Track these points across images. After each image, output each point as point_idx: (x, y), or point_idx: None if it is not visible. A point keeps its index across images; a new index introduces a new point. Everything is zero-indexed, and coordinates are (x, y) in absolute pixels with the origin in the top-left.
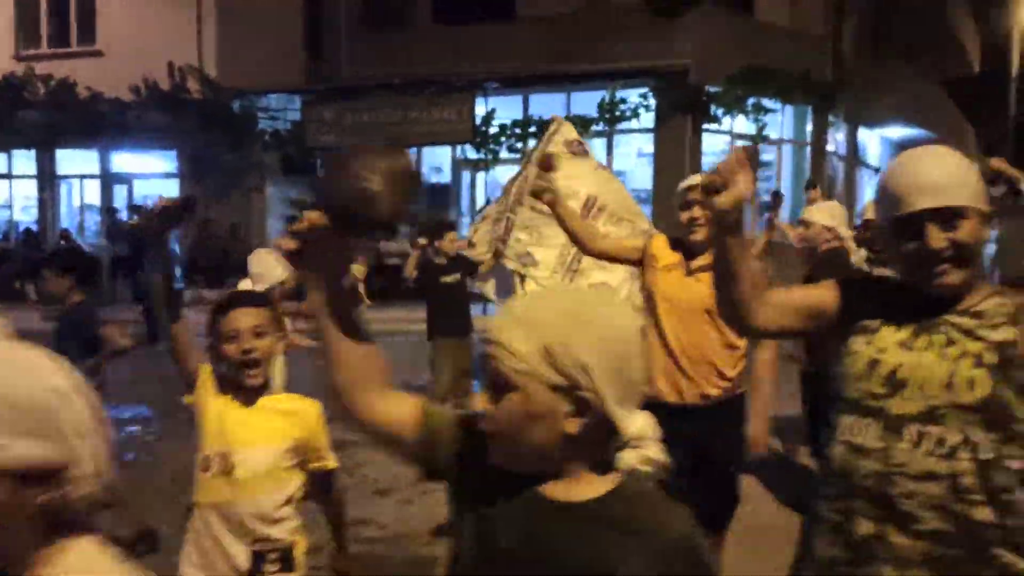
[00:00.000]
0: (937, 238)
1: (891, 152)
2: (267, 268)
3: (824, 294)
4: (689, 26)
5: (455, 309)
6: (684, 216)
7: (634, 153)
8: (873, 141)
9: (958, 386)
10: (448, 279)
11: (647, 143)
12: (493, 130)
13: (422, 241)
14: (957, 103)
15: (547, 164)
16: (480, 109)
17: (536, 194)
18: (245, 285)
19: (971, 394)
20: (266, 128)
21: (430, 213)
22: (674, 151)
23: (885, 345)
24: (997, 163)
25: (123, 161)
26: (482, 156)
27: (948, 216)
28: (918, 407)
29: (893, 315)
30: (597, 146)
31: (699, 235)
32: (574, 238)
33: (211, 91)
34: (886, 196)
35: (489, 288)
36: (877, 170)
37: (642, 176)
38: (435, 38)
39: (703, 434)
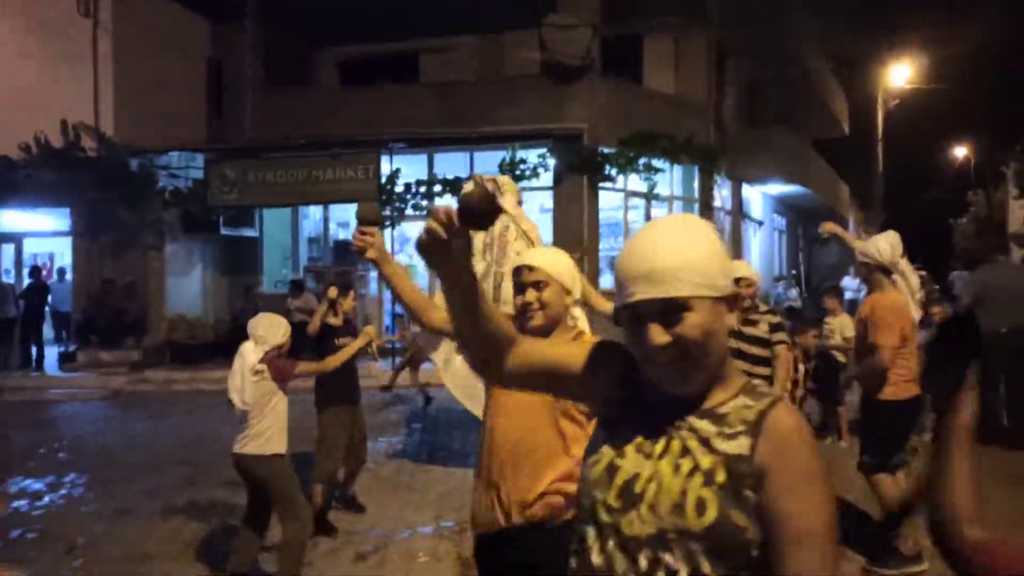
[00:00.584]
0: (656, 333)
1: (773, 206)
2: (270, 331)
3: (571, 355)
4: (583, 92)
5: (348, 374)
6: (517, 300)
7: (537, 208)
8: (756, 197)
9: (687, 508)
10: (341, 342)
11: (548, 199)
12: (399, 188)
13: (331, 294)
14: (831, 162)
15: (372, 217)
16: (385, 168)
17: (360, 251)
18: (248, 348)
19: (698, 519)
20: (166, 186)
21: (336, 268)
22: (572, 207)
23: (624, 446)
24: (829, 227)
25: (12, 219)
26: (388, 213)
27: (671, 308)
28: (649, 530)
29: (636, 406)
30: None
31: (535, 321)
32: (405, 306)
33: (106, 149)
34: (615, 280)
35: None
36: (761, 223)
37: (545, 230)
38: (340, 99)
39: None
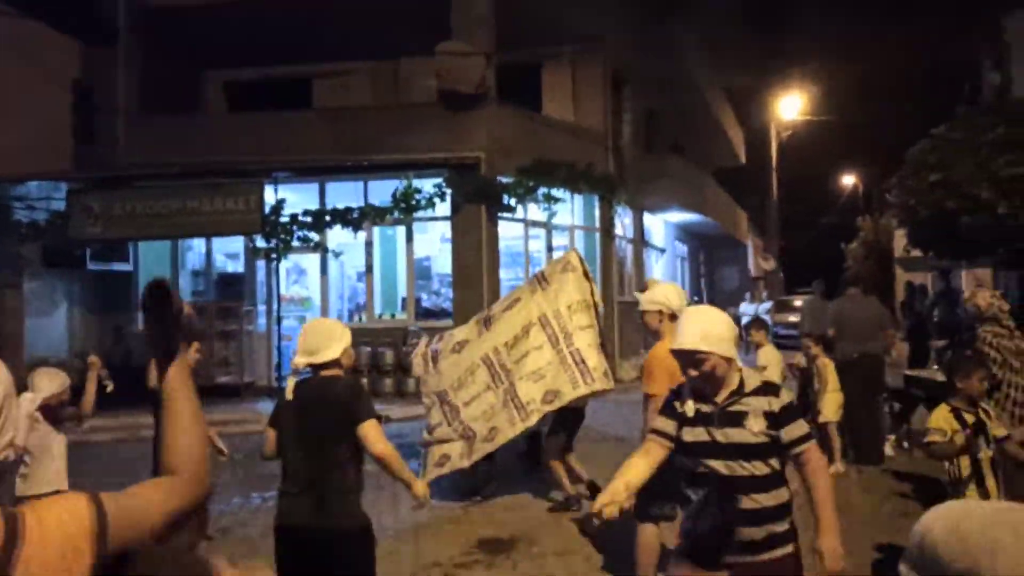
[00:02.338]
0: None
1: (675, 234)
2: (47, 383)
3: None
4: (480, 121)
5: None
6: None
7: (438, 239)
8: (657, 224)
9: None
10: None
11: (448, 229)
12: (284, 219)
13: (93, 363)
14: (729, 190)
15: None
16: (271, 197)
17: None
18: (25, 400)
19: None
20: (21, 219)
21: (220, 303)
22: (470, 237)
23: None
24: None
25: None
26: (272, 245)
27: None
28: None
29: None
30: (398, 234)
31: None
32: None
33: None
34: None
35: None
36: (663, 251)
37: (443, 261)
38: (225, 125)
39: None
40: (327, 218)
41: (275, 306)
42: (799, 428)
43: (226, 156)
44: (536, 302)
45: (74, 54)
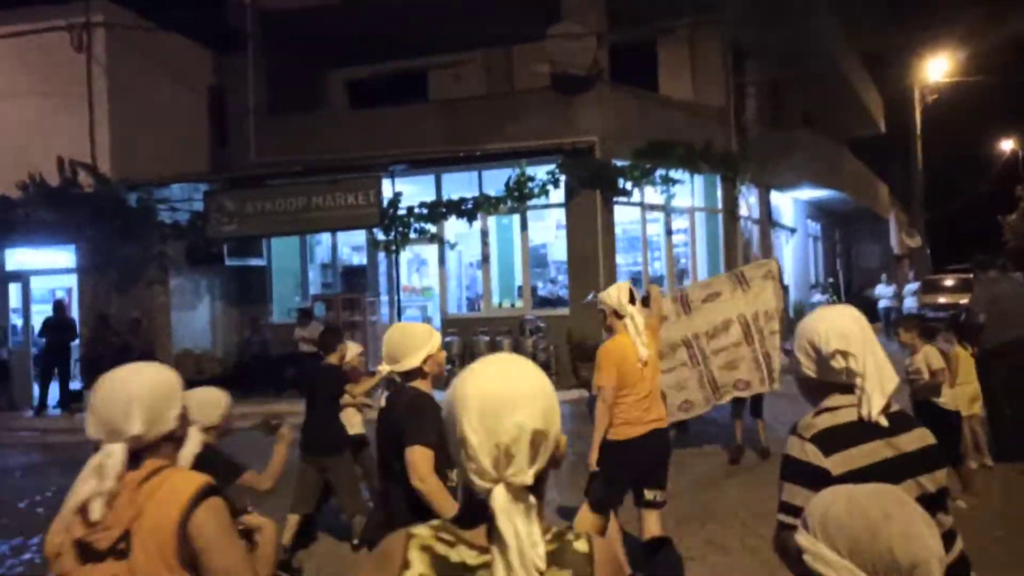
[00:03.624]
0: None
1: (806, 212)
2: (208, 413)
3: None
4: (593, 104)
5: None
6: None
7: (553, 226)
8: (786, 203)
9: None
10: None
11: (562, 216)
12: (401, 212)
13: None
14: (867, 162)
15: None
16: (388, 191)
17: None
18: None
19: None
20: (165, 220)
21: (346, 294)
22: (586, 224)
23: None
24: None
25: (17, 258)
26: (391, 238)
27: None
28: None
29: None
30: (514, 223)
31: None
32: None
33: (101, 185)
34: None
35: None
36: (793, 230)
37: (559, 248)
38: (347, 122)
39: None
40: (442, 210)
41: (396, 297)
42: None
43: (347, 152)
44: (736, 301)
45: (207, 62)
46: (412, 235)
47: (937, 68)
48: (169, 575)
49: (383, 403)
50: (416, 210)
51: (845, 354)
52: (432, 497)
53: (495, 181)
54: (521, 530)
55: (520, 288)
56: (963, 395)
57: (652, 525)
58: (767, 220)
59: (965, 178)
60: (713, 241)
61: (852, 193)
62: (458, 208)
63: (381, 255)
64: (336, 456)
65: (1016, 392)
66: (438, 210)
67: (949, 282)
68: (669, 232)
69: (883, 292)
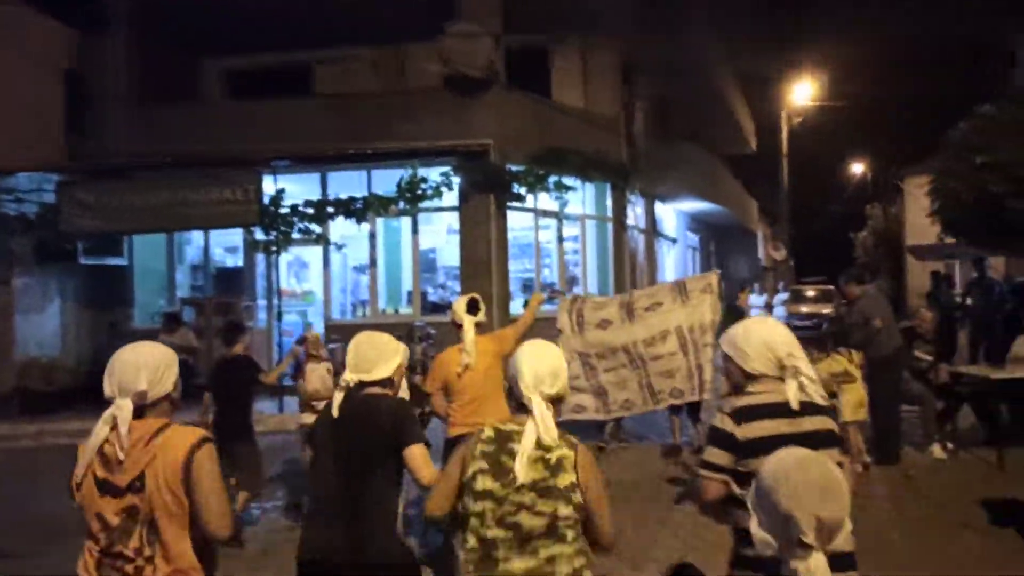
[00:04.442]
0: None
1: (686, 223)
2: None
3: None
4: (488, 106)
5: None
6: None
7: (444, 230)
8: (669, 214)
9: None
10: None
11: (455, 220)
12: (283, 210)
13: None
14: (740, 178)
15: None
16: (270, 188)
17: None
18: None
19: None
20: (9, 212)
21: (218, 298)
22: (479, 229)
23: None
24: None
25: None
26: (271, 238)
27: None
28: None
29: None
30: (403, 226)
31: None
32: None
33: None
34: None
35: None
36: (675, 241)
37: (452, 253)
38: (224, 113)
39: None
40: (329, 209)
41: (275, 301)
42: None
43: (224, 145)
44: (675, 312)
45: (64, 41)
46: (295, 235)
47: (802, 92)
48: (174, 500)
49: (335, 410)
50: (300, 209)
51: (791, 355)
52: (434, 482)
53: (385, 182)
54: (546, 416)
55: (409, 293)
56: (847, 402)
57: None
58: (652, 230)
59: (824, 196)
60: (603, 249)
61: (728, 206)
62: (347, 208)
63: (259, 256)
64: (244, 441)
65: (898, 397)
66: (325, 209)
67: (811, 293)
68: (561, 239)
69: (755, 302)
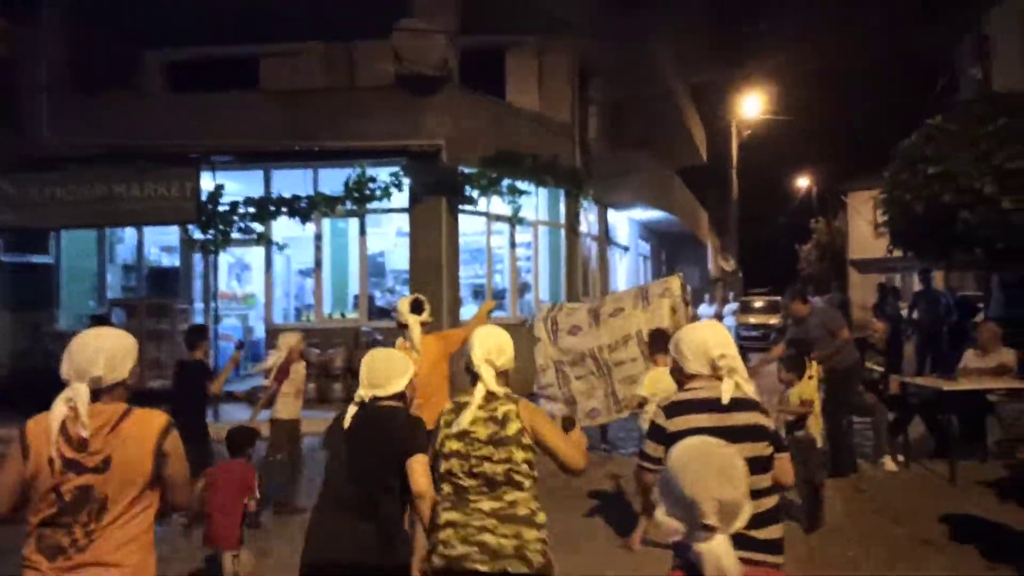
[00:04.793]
0: None
1: (638, 232)
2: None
3: None
4: (442, 106)
5: None
6: None
7: (393, 233)
8: (621, 222)
9: None
10: None
11: (405, 222)
12: (223, 208)
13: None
14: (691, 189)
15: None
16: (209, 184)
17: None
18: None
19: None
20: None
21: (152, 299)
22: (429, 232)
23: None
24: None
25: None
26: (210, 237)
27: None
28: None
29: None
30: (351, 227)
31: None
32: None
33: None
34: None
35: None
36: (627, 249)
37: (401, 257)
38: (164, 105)
39: None
40: (271, 207)
41: (213, 304)
42: None
43: (163, 139)
44: (636, 317)
45: None
46: (235, 235)
47: (752, 105)
48: (141, 480)
49: (348, 421)
50: (241, 207)
51: (724, 356)
52: (430, 501)
53: (332, 181)
54: (491, 377)
55: (356, 298)
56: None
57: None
58: (605, 237)
59: (772, 209)
60: (555, 256)
61: (681, 216)
62: (291, 207)
63: (197, 256)
64: (198, 440)
65: (853, 409)
66: (267, 208)
67: (759, 304)
68: (513, 244)
69: (705, 312)
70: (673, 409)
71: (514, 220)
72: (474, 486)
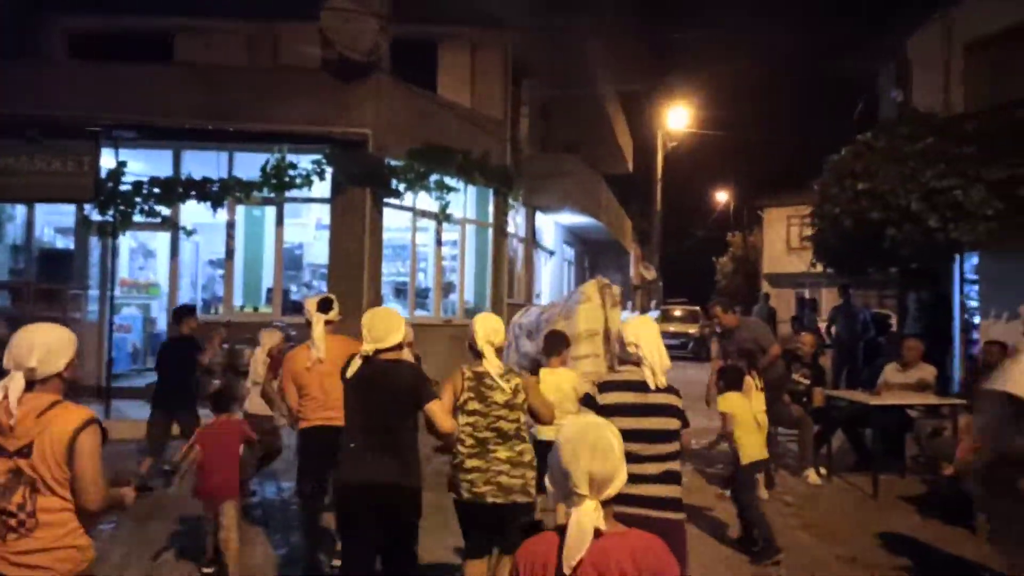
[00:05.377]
0: None
1: (563, 237)
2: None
3: None
4: (369, 94)
5: None
6: None
7: (312, 225)
8: (548, 226)
9: None
10: None
11: (326, 214)
12: (125, 187)
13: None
14: (617, 197)
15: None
16: (110, 161)
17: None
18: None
19: None
20: None
21: (42, 284)
22: (352, 224)
23: None
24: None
25: None
26: (109, 218)
27: None
28: None
29: None
30: (267, 216)
31: None
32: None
33: None
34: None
35: None
36: (552, 253)
37: (320, 251)
38: (64, 74)
39: None
40: (179, 189)
41: (110, 291)
42: None
43: (59, 109)
44: (559, 324)
45: None
46: (138, 218)
47: (677, 119)
48: (57, 470)
49: (357, 369)
50: (145, 187)
51: (637, 345)
52: (452, 433)
53: (249, 167)
54: (493, 357)
55: (269, 291)
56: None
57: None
58: (532, 240)
59: (693, 221)
60: (482, 256)
61: (607, 223)
62: (200, 189)
63: (95, 239)
64: (187, 410)
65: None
66: (174, 190)
67: (678, 312)
68: (439, 242)
69: (627, 318)
70: (604, 387)
71: (441, 217)
72: (491, 438)
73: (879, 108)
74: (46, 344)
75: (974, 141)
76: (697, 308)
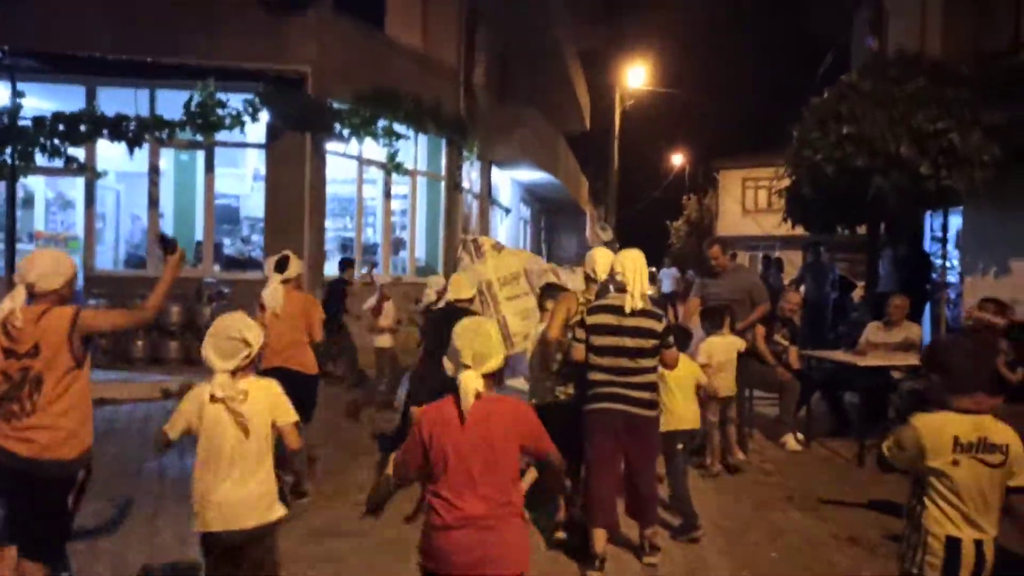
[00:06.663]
0: None
1: (520, 195)
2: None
3: None
4: (309, 29)
5: None
6: None
7: (250, 176)
8: (505, 182)
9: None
10: None
11: (261, 161)
12: (24, 123)
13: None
14: (574, 154)
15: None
16: (4, 97)
17: None
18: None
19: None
20: None
21: None
22: (291, 172)
23: None
24: None
25: None
26: (7, 160)
27: None
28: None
29: None
30: (198, 163)
31: None
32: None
33: None
34: None
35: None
36: (508, 211)
37: (258, 204)
38: None
39: None
40: (88, 126)
41: (10, 243)
42: None
43: None
44: (520, 257)
45: None
46: (46, 162)
47: (635, 77)
48: (64, 361)
49: (431, 313)
50: (48, 123)
51: (621, 273)
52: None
53: (174, 107)
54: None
55: (200, 244)
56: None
57: None
58: (487, 196)
59: (648, 182)
60: (433, 211)
61: (565, 181)
62: (114, 127)
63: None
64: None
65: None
66: (83, 127)
67: None
68: (388, 195)
69: None
70: (593, 310)
71: (390, 167)
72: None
73: (850, 60)
74: (43, 265)
75: (970, 85)
76: (653, 269)
